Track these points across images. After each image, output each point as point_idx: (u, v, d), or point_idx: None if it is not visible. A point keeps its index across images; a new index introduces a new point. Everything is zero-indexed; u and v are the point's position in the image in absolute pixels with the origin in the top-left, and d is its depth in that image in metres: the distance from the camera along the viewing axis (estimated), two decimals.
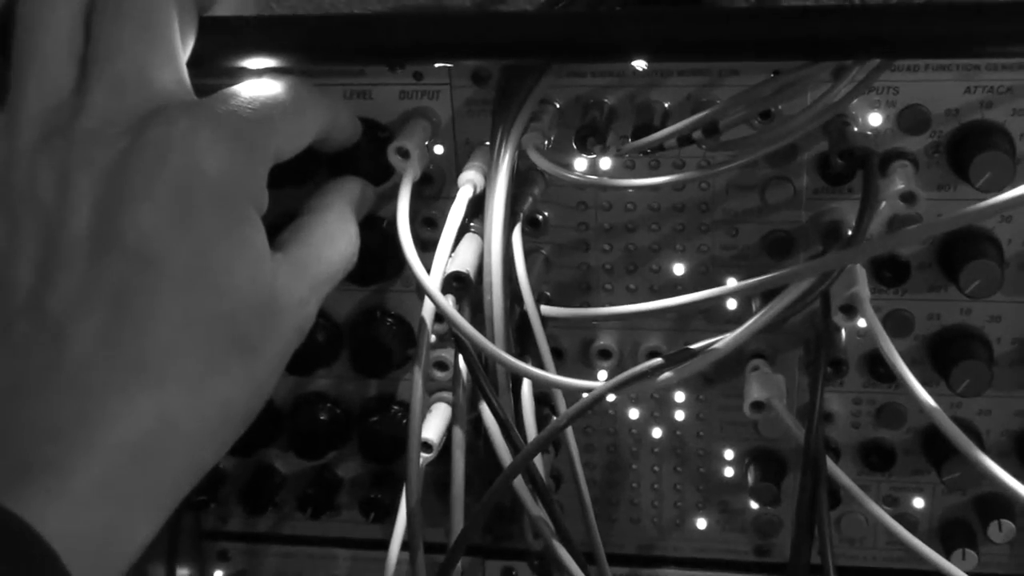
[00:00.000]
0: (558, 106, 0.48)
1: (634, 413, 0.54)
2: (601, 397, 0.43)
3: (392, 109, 0.49)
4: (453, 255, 0.46)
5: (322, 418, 0.55)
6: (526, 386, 0.47)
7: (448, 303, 0.44)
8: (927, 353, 0.49)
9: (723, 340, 0.43)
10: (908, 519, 0.53)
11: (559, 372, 0.47)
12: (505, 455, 0.45)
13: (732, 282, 0.49)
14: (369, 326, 0.53)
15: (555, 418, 0.48)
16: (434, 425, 0.49)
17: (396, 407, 0.55)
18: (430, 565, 0.45)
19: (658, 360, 0.43)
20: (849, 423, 0.52)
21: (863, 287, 0.44)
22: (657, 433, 0.54)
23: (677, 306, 0.43)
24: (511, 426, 0.45)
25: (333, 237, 0.44)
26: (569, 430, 0.48)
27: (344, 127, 0.46)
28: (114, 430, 0.34)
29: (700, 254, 0.50)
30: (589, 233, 0.50)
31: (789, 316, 0.44)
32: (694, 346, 0.43)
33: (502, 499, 0.45)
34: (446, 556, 0.45)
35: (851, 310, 0.44)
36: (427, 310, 0.46)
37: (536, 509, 0.45)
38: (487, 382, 0.45)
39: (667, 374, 0.43)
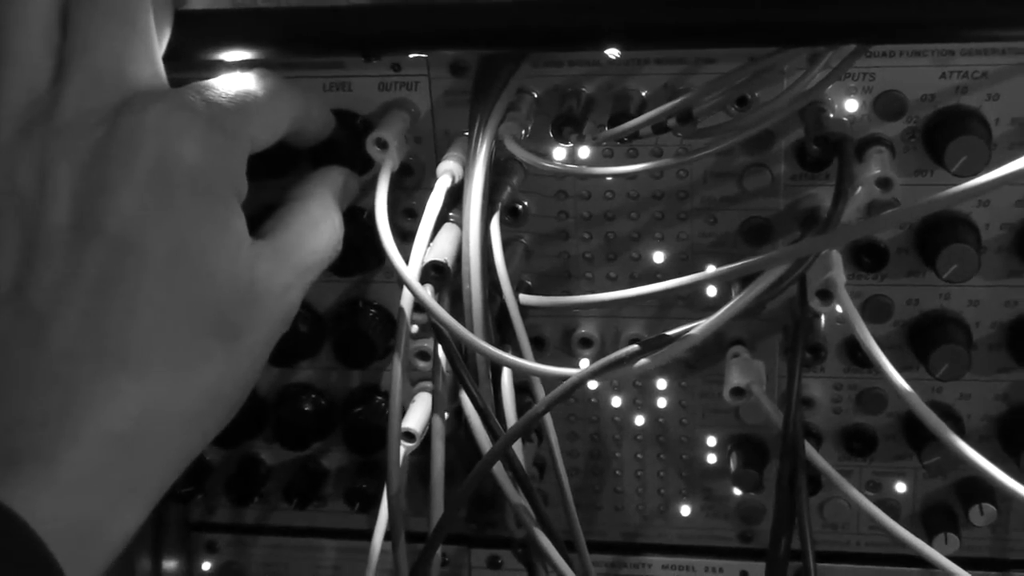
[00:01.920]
0: (535, 96, 0.48)
1: (616, 401, 0.54)
2: (579, 384, 0.43)
3: (371, 100, 0.49)
4: (431, 245, 0.46)
5: (306, 409, 0.55)
6: (506, 375, 0.47)
7: (426, 292, 0.44)
8: (906, 338, 0.50)
9: (699, 326, 0.43)
10: (890, 504, 0.53)
11: (541, 361, 0.47)
12: (485, 443, 0.45)
13: (711, 269, 0.49)
14: (352, 317, 0.53)
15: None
16: (416, 415, 0.49)
17: (380, 398, 0.55)
18: (413, 554, 0.45)
19: (635, 346, 0.43)
20: (830, 409, 0.52)
21: (838, 272, 0.44)
22: (640, 420, 0.54)
23: (657, 293, 0.44)
24: (490, 415, 0.45)
25: (316, 224, 0.44)
26: (548, 418, 0.48)
27: (317, 119, 0.46)
28: (99, 418, 0.35)
29: (679, 242, 0.50)
30: (569, 222, 0.50)
31: (765, 301, 0.44)
32: (671, 332, 0.43)
33: (484, 488, 0.45)
34: (425, 544, 0.45)
35: (827, 295, 0.44)
36: (406, 300, 0.46)
37: (517, 497, 0.45)
38: (466, 371, 0.45)
39: (644, 360, 0.43)
